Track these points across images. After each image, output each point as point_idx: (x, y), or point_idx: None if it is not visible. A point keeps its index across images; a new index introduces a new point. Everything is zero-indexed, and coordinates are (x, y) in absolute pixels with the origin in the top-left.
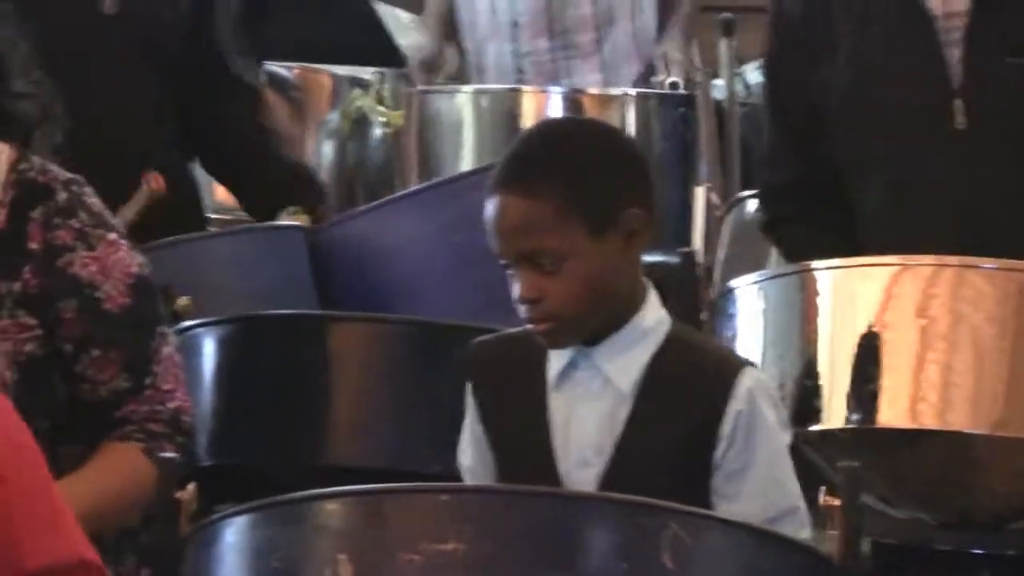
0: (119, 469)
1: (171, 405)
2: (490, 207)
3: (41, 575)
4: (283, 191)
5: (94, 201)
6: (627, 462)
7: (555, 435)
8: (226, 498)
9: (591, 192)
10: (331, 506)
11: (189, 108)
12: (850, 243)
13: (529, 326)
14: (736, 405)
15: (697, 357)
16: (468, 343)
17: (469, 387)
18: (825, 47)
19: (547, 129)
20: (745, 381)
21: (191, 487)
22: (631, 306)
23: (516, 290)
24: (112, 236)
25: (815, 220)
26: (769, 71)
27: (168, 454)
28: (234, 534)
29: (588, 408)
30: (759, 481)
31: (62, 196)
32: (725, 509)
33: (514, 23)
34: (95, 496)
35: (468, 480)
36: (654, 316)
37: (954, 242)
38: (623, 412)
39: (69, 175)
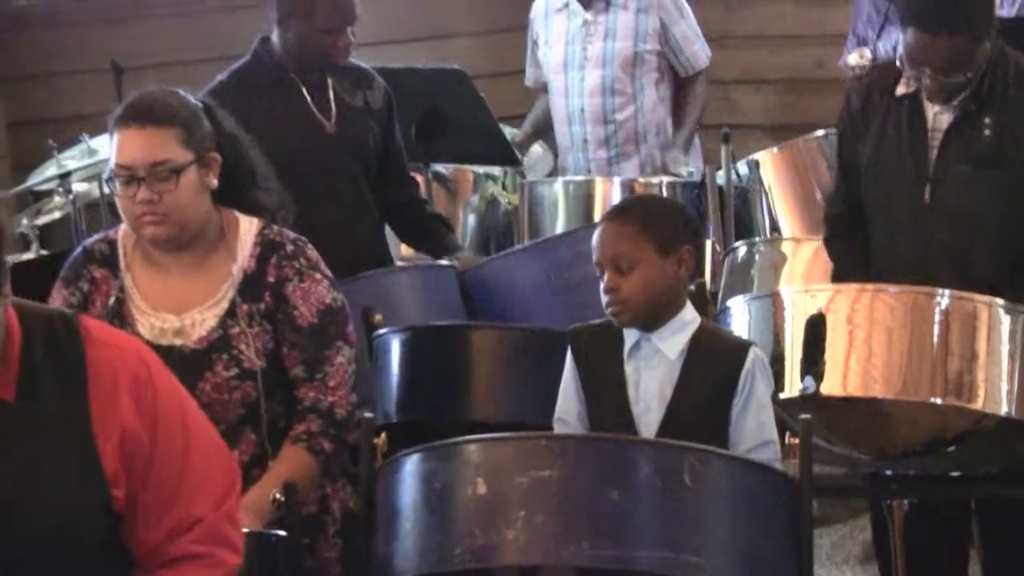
0: (295, 459)
1: (330, 399)
2: (598, 230)
3: None
4: (439, 236)
5: (312, 253)
6: (677, 410)
7: (630, 391)
8: (406, 443)
9: (660, 227)
10: (472, 447)
11: (379, 194)
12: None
13: (608, 310)
14: (746, 370)
15: (720, 339)
16: (570, 330)
17: (570, 360)
18: (863, 131)
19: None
20: (751, 355)
21: (383, 436)
22: (676, 308)
23: (603, 284)
24: (318, 276)
25: (854, 240)
26: (839, 134)
27: (326, 446)
28: (410, 466)
29: (650, 374)
30: (751, 421)
31: (289, 248)
32: (731, 439)
33: (584, 140)
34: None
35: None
36: (691, 315)
37: (917, 273)
38: (674, 376)
39: (296, 235)
